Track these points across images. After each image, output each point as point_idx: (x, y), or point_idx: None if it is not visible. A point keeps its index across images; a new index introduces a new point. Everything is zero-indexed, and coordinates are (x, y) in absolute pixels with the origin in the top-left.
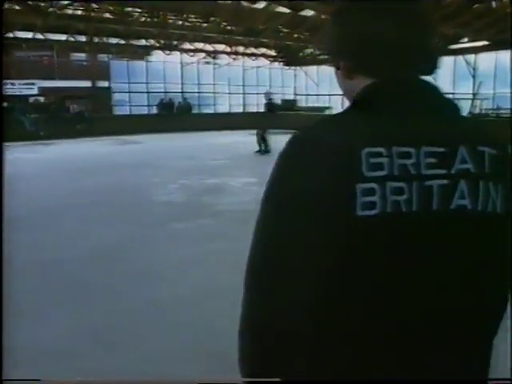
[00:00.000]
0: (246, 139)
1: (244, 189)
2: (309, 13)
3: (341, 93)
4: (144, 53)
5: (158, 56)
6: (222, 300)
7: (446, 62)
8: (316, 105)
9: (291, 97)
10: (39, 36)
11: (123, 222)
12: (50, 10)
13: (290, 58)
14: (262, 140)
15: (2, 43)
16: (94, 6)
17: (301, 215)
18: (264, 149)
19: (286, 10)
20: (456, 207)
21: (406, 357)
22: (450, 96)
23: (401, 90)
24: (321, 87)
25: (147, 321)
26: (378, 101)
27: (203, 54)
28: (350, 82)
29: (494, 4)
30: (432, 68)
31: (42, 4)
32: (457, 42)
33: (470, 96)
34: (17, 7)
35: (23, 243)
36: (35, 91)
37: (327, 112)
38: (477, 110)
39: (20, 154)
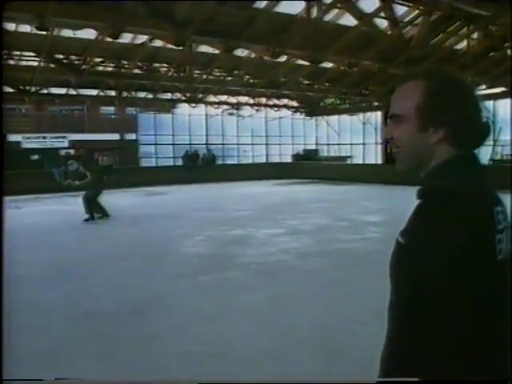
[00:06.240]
0: (270, 189)
1: (269, 240)
2: (328, 64)
3: (360, 142)
4: (170, 106)
5: (183, 109)
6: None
7: None
8: (338, 154)
9: (313, 146)
10: (72, 91)
11: (150, 275)
12: (84, 67)
13: (311, 108)
14: (90, 204)
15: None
16: (124, 62)
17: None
18: (91, 215)
19: (306, 63)
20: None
21: None
22: None
23: (478, 162)
24: (342, 136)
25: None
26: (471, 168)
27: (227, 106)
28: (433, 146)
29: (509, 52)
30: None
31: (76, 62)
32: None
33: (491, 143)
34: (52, 65)
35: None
36: (66, 144)
37: (349, 161)
38: (498, 157)
39: (47, 207)
